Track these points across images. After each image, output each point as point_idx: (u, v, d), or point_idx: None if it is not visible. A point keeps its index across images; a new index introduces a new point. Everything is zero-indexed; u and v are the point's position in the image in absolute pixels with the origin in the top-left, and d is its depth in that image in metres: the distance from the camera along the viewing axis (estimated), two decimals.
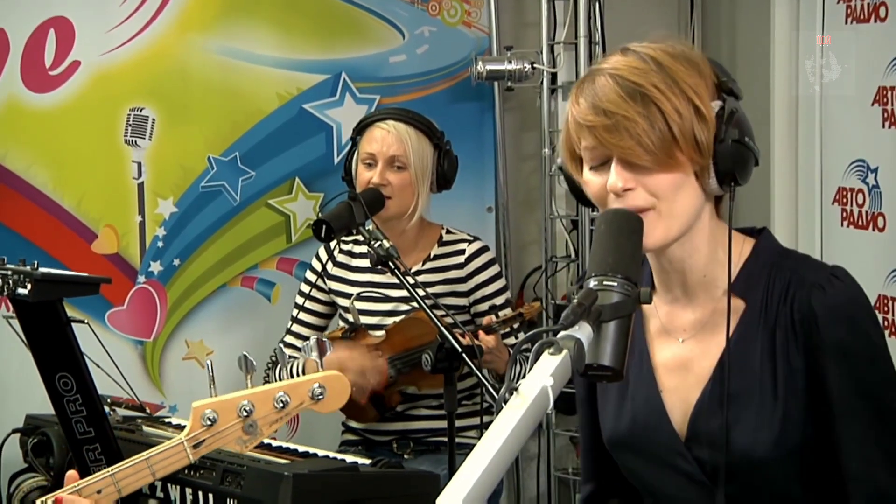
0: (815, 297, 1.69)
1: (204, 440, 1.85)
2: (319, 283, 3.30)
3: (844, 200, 3.20)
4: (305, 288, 3.33)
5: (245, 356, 1.91)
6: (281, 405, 1.85)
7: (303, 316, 3.31)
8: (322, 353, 1.91)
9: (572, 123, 1.71)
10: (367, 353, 3.12)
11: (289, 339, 3.30)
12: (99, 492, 1.86)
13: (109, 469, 1.86)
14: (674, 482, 1.78)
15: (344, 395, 1.89)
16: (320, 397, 1.87)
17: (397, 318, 3.18)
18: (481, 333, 2.97)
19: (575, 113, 1.70)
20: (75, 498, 1.85)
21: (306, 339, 3.21)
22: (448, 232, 3.29)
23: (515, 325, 3.14)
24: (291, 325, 3.32)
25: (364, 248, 3.15)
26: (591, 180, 1.72)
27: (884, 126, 3.02)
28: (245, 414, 1.84)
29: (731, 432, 1.72)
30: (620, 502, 1.97)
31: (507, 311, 3.14)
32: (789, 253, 1.80)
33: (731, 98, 1.71)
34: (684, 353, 1.79)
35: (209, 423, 1.84)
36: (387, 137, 3.15)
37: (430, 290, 3.12)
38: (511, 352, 3.09)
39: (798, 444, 1.71)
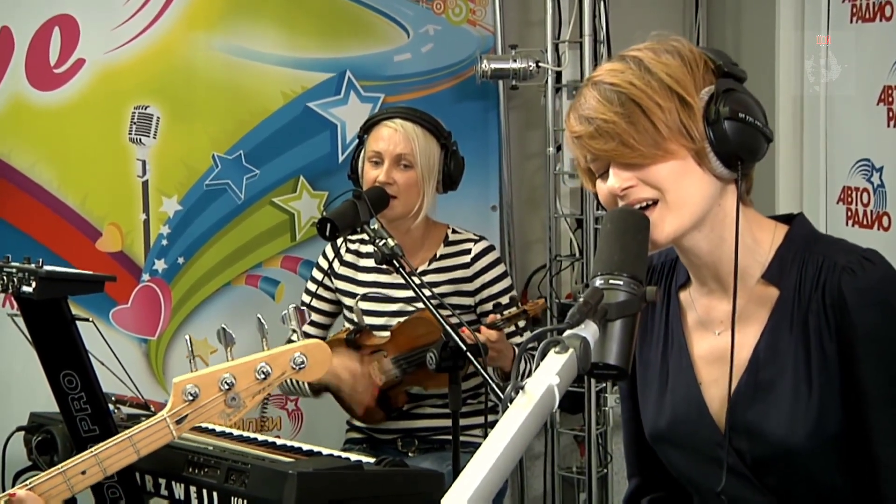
0: (846, 281, 1.68)
1: (187, 415, 1.84)
2: (326, 281, 3.30)
3: (849, 200, 3.20)
4: (312, 286, 3.33)
5: (223, 329, 1.90)
6: (262, 376, 1.84)
7: (307, 313, 3.31)
8: (301, 321, 1.91)
9: (569, 140, 1.74)
10: (363, 365, 3.12)
11: (293, 337, 3.30)
12: (84, 472, 1.85)
13: (92, 449, 1.85)
14: (716, 475, 1.78)
15: (326, 364, 1.87)
16: (302, 366, 1.86)
17: (402, 319, 3.17)
18: (483, 328, 2.97)
19: (568, 129, 1.73)
20: (28, 495, 1.84)
21: (311, 337, 3.22)
22: (454, 231, 3.29)
23: (521, 324, 3.13)
24: None
25: (371, 248, 3.15)
26: (599, 188, 1.73)
27: (889, 125, 3.02)
28: (227, 387, 1.83)
29: (767, 423, 1.72)
30: (666, 496, 1.97)
31: (512, 309, 3.13)
32: (822, 237, 1.79)
33: (727, 79, 1.70)
34: (721, 345, 1.78)
35: (191, 398, 1.83)
36: (394, 136, 3.15)
37: (435, 290, 3.12)
38: (516, 350, 3.09)
39: (835, 433, 1.70)
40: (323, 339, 3.30)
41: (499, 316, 3.07)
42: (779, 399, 1.72)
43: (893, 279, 1.70)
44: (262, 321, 2.06)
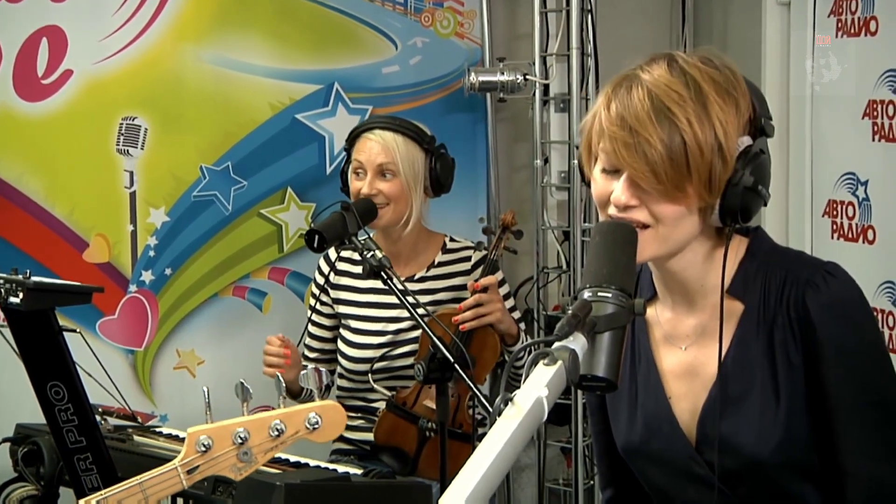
0: (810, 295, 1.70)
1: (198, 466, 1.85)
2: (325, 297, 3.31)
3: (835, 213, 3.22)
4: (313, 301, 3.34)
5: (241, 383, 1.91)
6: (276, 433, 1.85)
7: (315, 329, 3.34)
8: (319, 383, 1.92)
9: (597, 125, 1.70)
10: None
11: (305, 351, 3.33)
12: None
13: (102, 492, 1.86)
14: (690, 487, 1.80)
15: (340, 425, 1.89)
16: (316, 427, 1.87)
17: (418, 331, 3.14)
18: (476, 283, 3.03)
19: (602, 117, 1.69)
20: None
21: (316, 350, 3.25)
22: (451, 240, 3.31)
23: (507, 240, 3.22)
24: (306, 338, 3.35)
25: None
26: (598, 181, 1.72)
27: (874, 139, 3.04)
28: (240, 441, 1.84)
29: (737, 435, 1.74)
30: None
31: (492, 238, 3.25)
32: (783, 251, 1.82)
33: (762, 138, 1.71)
34: (688, 359, 1.81)
35: (204, 449, 1.84)
36: (374, 146, 3.16)
37: (434, 296, 3.14)
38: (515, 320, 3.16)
39: (804, 443, 1.72)
40: (328, 351, 3.32)
41: (476, 285, 3.07)
42: (748, 412, 1.74)
43: (854, 291, 1.73)
44: (281, 379, 2.10)
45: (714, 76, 1.68)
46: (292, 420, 1.86)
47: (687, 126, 1.64)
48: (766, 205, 1.74)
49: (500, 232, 3.22)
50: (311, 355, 3.34)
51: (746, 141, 1.69)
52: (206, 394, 1.92)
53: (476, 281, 3.10)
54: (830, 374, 1.69)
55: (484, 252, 3.30)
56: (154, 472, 1.85)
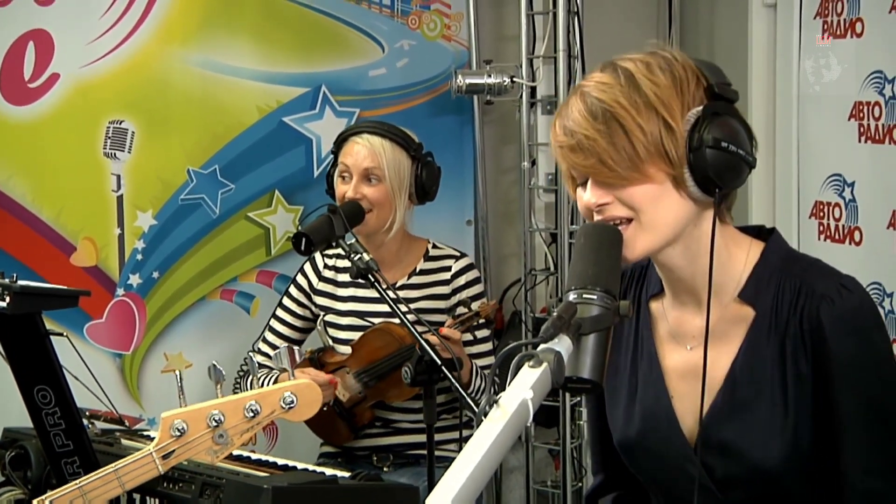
0: (824, 309, 1.69)
1: (174, 451, 1.84)
2: (304, 300, 3.29)
3: (821, 214, 3.22)
4: (288, 301, 3.32)
5: (214, 365, 1.91)
6: (251, 414, 1.84)
7: (280, 327, 3.31)
8: (293, 361, 1.91)
9: (553, 145, 1.74)
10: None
11: (263, 347, 3.30)
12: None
13: (77, 481, 1.85)
14: (682, 486, 1.80)
15: (315, 404, 1.88)
16: (291, 406, 1.86)
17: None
18: (442, 328, 2.96)
19: (552, 135, 1.73)
20: None
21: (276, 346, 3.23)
22: (434, 247, 3.30)
23: (475, 325, 3.13)
24: (266, 333, 3.32)
25: (347, 263, 3.16)
26: (579, 195, 1.74)
27: (860, 140, 3.05)
28: (215, 424, 1.83)
29: (743, 442, 1.74)
30: (630, 494, 1.98)
31: (463, 310, 3.13)
32: (799, 257, 1.80)
33: (719, 102, 1.68)
34: (694, 360, 1.79)
35: (178, 433, 1.83)
36: (361, 150, 3.16)
37: (412, 304, 3.13)
38: (473, 363, 3.11)
39: (808, 453, 1.72)
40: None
41: (451, 319, 3.08)
42: (755, 419, 1.73)
43: (870, 308, 1.73)
44: (254, 359, 2.09)
45: (647, 59, 1.70)
46: (267, 400, 1.85)
47: (620, 110, 1.65)
48: (752, 166, 1.71)
49: (472, 313, 3.10)
50: (272, 352, 3.29)
51: (698, 110, 1.67)
52: (179, 377, 1.91)
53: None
54: (839, 387, 1.69)
55: (468, 261, 3.29)
56: (129, 458, 1.85)
